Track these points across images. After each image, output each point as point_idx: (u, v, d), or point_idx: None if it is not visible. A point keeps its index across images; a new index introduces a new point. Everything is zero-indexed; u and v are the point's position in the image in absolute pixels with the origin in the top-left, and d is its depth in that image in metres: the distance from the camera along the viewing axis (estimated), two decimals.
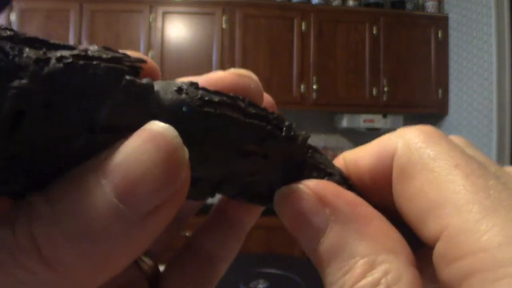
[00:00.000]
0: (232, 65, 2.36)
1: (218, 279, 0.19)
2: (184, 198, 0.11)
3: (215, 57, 2.36)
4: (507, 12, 2.19)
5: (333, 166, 0.16)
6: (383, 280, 0.12)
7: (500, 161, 2.18)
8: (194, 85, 0.13)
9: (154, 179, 0.10)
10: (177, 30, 2.36)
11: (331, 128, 2.74)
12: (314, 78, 2.42)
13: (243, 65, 2.37)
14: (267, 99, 0.17)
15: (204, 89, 0.13)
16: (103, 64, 0.11)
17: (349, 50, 2.47)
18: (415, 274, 0.12)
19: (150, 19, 2.33)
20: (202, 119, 0.12)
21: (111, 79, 0.11)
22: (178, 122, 0.12)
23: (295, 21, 2.43)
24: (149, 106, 0.12)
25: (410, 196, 0.13)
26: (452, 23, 2.55)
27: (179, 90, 0.12)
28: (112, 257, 0.10)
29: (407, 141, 0.14)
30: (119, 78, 0.11)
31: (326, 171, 0.16)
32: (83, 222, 0.10)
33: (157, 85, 0.12)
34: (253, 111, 0.14)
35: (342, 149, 2.60)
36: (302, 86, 2.42)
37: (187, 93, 0.12)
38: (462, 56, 2.46)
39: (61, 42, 0.11)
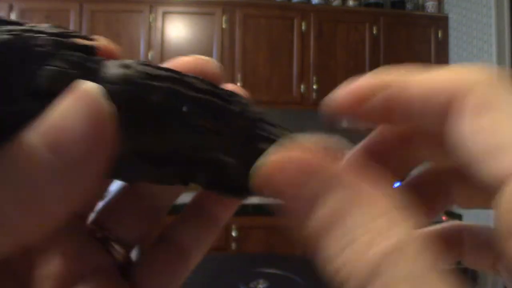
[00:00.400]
0: (232, 65, 2.36)
1: (189, 272, 0.19)
2: (108, 153, 0.12)
3: (215, 57, 2.36)
4: (507, 12, 2.19)
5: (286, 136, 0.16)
6: (406, 241, 0.10)
7: None
8: (143, 62, 0.14)
9: (79, 129, 0.11)
10: (177, 30, 2.36)
11: (331, 128, 2.73)
12: (314, 78, 2.42)
13: (243, 65, 2.37)
14: (233, 87, 0.17)
15: (153, 66, 0.14)
16: (45, 36, 0.12)
17: (349, 50, 2.47)
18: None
19: (150, 19, 2.33)
20: (146, 92, 0.13)
21: (51, 49, 0.12)
22: (122, 94, 0.13)
23: (295, 21, 2.43)
24: (94, 79, 0.12)
25: (485, 128, 0.12)
26: (452, 23, 2.55)
27: (126, 65, 0.13)
28: (44, 205, 0.11)
29: (490, 76, 0.13)
30: (58, 48, 0.12)
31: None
32: (16, 171, 0.11)
33: (108, 62, 0.13)
34: (206, 87, 0.14)
35: (342, 149, 2.59)
36: (302, 86, 2.42)
37: (132, 68, 0.13)
38: (462, 56, 2.46)
39: (15, 20, 0.13)
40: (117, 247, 0.18)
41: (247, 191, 0.15)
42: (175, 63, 0.16)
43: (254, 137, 0.15)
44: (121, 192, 0.19)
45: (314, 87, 2.42)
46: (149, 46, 2.32)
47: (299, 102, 2.42)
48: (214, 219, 0.19)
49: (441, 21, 2.57)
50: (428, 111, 0.13)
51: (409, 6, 2.64)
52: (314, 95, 2.42)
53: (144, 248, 0.19)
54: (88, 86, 0.12)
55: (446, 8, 2.62)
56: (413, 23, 2.54)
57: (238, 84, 2.33)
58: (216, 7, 2.38)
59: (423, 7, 2.65)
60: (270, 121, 0.16)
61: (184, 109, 0.14)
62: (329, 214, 0.11)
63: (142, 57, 2.32)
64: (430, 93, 0.13)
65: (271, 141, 0.15)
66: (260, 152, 0.14)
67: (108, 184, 0.18)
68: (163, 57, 2.32)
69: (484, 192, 0.11)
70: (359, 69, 2.47)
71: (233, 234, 2.09)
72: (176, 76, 0.14)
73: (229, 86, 0.17)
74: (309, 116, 2.75)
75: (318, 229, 0.11)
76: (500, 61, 2.19)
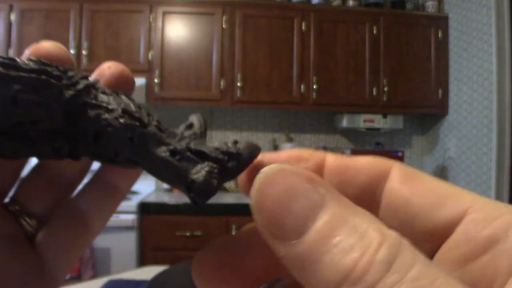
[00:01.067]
0: (232, 65, 2.36)
1: (91, 241, 0.21)
2: None
3: (215, 57, 2.36)
4: (507, 12, 2.19)
5: (120, 103, 0.17)
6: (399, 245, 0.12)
7: (500, 161, 2.18)
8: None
9: None
10: (177, 30, 2.36)
11: (331, 128, 2.74)
12: (314, 78, 2.42)
13: (243, 65, 2.37)
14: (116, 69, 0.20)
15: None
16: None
17: (349, 50, 2.47)
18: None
19: (150, 19, 2.33)
20: None
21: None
22: None
23: (295, 21, 2.43)
24: None
25: (422, 191, 0.15)
26: (452, 23, 2.55)
27: None
28: None
29: (399, 163, 0.16)
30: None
31: (108, 108, 0.17)
32: None
33: None
34: (34, 66, 0.16)
35: (342, 149, 2.60)
36: (302, 86, 2.42)
37: None
38: (462, 56, 2.46)
39: None
40: (28, 219, 0.20)
41: (79, 155, 0.18)
42: (34, 49, 0.19)
43: (84, 105, 0.17)
44: (33, 169, 0.21)
45: (314, 87, 2.42)
46: (149, 46, 2.32)
47: (299, 102, 2.42)
48: (115, 189, 0.21)
49: (441, 21, 2.57)
50: (362, 178, 0.16)
51: (409, 6, 2.64)
52: (314, 95, 2.42)
53: (49, 218, 0.21)
54: None
55: (446, 8, 2.62)
56: (413, 23, 2.54)
57: (239, 84, 2.33)
58: (216, 7, 2.38)
59: (423, 7, 2.65)
60: (104, 89, 0.18)
61: (16, 87, 0.15)
62: (328, 223, 0.12)
63: (142, 57, 2.32)
64: (366, 167, 0.17)
65: (100, 107, 0.17)
66: (90, 119, 0.17)
67: (22, 164, 0.20)
68: (163, 57, 2.32)
69: None
70: (359, 69, 2.47)
71: (233, 234, 2.09)
72: (7, 62, 0.16)
73: (105, 65, 0.20)
74: (309, 116, 2.76)
75: (315, 243, 0.12)
76: (500, 61, 2.19)
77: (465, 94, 2.43)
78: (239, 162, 0.17)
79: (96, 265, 1.91)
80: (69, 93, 0.17)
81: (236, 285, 0.17)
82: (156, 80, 2.31)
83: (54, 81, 0.16)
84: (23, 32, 2.26)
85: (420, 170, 0.16)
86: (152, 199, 2.17)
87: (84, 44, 2.28)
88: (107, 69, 0.20)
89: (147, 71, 2.31)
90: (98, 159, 0.18)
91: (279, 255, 0.13)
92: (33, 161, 0.20)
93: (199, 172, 0.16)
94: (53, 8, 2.27)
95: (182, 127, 0.18)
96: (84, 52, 2.27)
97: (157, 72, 2.31)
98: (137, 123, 0.17)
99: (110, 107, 0.17)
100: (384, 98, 2.47)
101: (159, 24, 2.33)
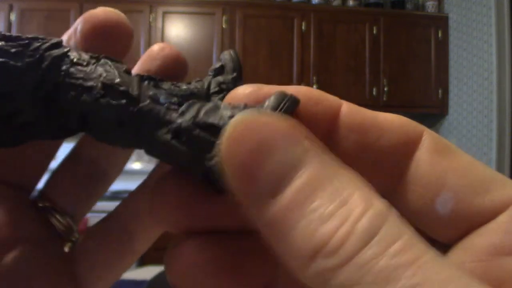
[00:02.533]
0: None
1: (133, 262, 0.19)
2: None
3: (215, 57, 2.36)
4: (507, 12, 2.19)
5: (100, 75, 0.14)
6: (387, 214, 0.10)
7: (500, 161, 2.18)
8: None
9: None
10: (177, 30, 2.36)
11: None
12: (314, 78, 2.42)
13: (243, 65, 2.37)
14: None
15: None
16: None
17: (349, 50, 2.47)
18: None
19: (150, 19, 2.33)
20: None
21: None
22: None
23: (295, 21, 2.43)
24: None
25: (460, 168, 0.13)
26: (452, 23, 2.55)
27: None
28: None
29: (430, 131, 0.14)
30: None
31: (84, 86, 0.14)
32: None
33: None
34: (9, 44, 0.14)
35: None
36: None
37: None
38: (462, 56, 2.46)
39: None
40: (59, 217, 0.18)
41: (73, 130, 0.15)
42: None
43: (56, 86, 0.14)
44: (64, 160, 0.18)
45: (314, 87, 2.42)
46: (149, 46, 2.29)
47: None
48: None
49: (441, 21, 2.57)
50: (387, 141, 0.14)
51: (409, 6, 2.64)
52: None
53: (91, 230, 0.18)
54: None
55: (446, 8, 2.62)
56: (413, 23, 2.54)
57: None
58: (216, 7, 2.38)
59: (423, 7, 2.65)
60: (79, 57, 0.14)
61: None
62: (307, 184, 0.10)
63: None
64: (392, 126, 0.14)
65: (75, 86, 0.14)
66: (66, 103, 0.14)
67: (52, 154, 0.18)
68: None
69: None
70: (359, 69, 2.47)
71: None
72: None
73: (155, 47, 0.16)
74: None
75: (290, 205, 0.10)
76: (500, 61, 2.19)
77: (465, 94, 2.43)
78: None
79: None
80: (33, 74, 0.14)
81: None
82: None
83: (13, 62, 0.13)
84: (23, 32, 2.22)
85: None
86: None
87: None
88: (160, 51, 0.17)
89: None
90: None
91: (251, 217, 0.11)
92: (64, 151, 0.18)
93: (215, 157, 0.12)
94: (53, 8, 2.27)
95: (211, 74, 0.14)
96: None
97: None
98: (123, 101, 0.13)
99: (87, 84, 0.14)
100: (384, 98, 2.47)
101: (159, 24, 2.33)
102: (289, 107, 0.12)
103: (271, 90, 0.14)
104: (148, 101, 0.14)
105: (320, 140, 0.11)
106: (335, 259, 0.09)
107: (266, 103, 0.12)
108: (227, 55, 0.16)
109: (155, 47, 0.17)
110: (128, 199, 0.19)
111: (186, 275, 0.13)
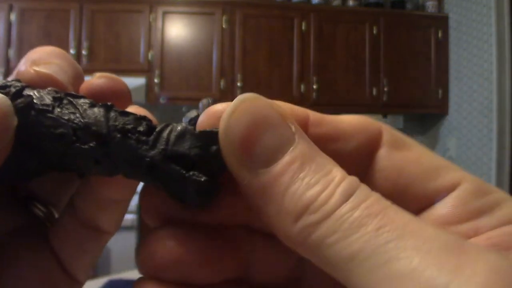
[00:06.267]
0: (232, 65, 2.36)
1: (105, 242, 0.19)
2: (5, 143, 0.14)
3: (215, 57, 2.36)
4: (507, 12, 2.19)
5: (67, 122, 0.14)
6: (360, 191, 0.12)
7: (500, 161, 2.18)
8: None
9: None
10: (177, 30, 2.36)
11: None
12: (314, 78, 2.42)
13: (243, 65, 2.37)
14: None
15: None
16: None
17: (349, 50, 2.47)
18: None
19: (150, 19, 2.33)
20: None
21: None
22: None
23: (295, 21, 2.43)
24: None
25: (414, 159, 0.15)
26: (452, 23, 2.55)
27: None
28: None
29: (387, 127, 0.16)
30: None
31: (55, 134, 0.14)
32: None
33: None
34: None
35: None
36: (302, 86, 2.42)
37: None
38: (462, 56, 2.46)
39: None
40: (39, 206, 0.19)
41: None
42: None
43: (29, 135, 0.14)
44: None
45: (314, 87, 2.42)
46: (149, 46, 2.32)
47: (299, 102, 2.42)
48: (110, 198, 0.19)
49: (441, 21, 2.57)
50: (353, 145, 0.16)
51: (409, 6, 2.64)
52: (314, 95, 2.42)
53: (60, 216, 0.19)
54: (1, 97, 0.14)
55: (446, 8, 2.62)
56: (413, 23, 2.54)
57: (239, 84, 2.33)
58: (216, 7, 2.38)
59: (423, 7, 2.65)
60: (43, 100, 0.14)
61: None
62: (297, 158, 0.13)
63: (142, 57, 2.32)
64: (354, 127, 0.16)
65: (45, 135, 0.14)
66: (42, 150, 0.14)
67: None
68: (163, 57, 2.32)
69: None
70: (359, 69, 2.47)
71: None
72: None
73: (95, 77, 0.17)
74: None
75: (282, 174, 0.13)
76: (500, 61, 2.19)
77: (465, 94, 2.43)
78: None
79: (96, 265, 1.91)
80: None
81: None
82: (156, 80, 2.31)
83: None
84: (23, 32, 2.26)
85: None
86: None
87: (84, 44, 2.27)
88: (96, 79, 0.17)
89: (147, 71, 2.31)
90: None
91: (242, 182, 0.13)
92: None
93: (190, 191, 0.14)
94: (53, 8, 2.27)
95: (185, 123, 0.15)
96: (84, 52, 2.27)
97: (157, 72, 2.31)
98: (94, 143, 0.14)
99: (57, 131, 0.14)
100: (384, 98, 2.47)
101: (159, 24, 2.33)
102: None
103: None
104: (118, 136, 0.14)
105: None
106: (318, 214, 0.12)
107: None
108: (205, 102, 0.16)
109: (95, 77, 0.18)
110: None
111: (157, 261, 0.15)
